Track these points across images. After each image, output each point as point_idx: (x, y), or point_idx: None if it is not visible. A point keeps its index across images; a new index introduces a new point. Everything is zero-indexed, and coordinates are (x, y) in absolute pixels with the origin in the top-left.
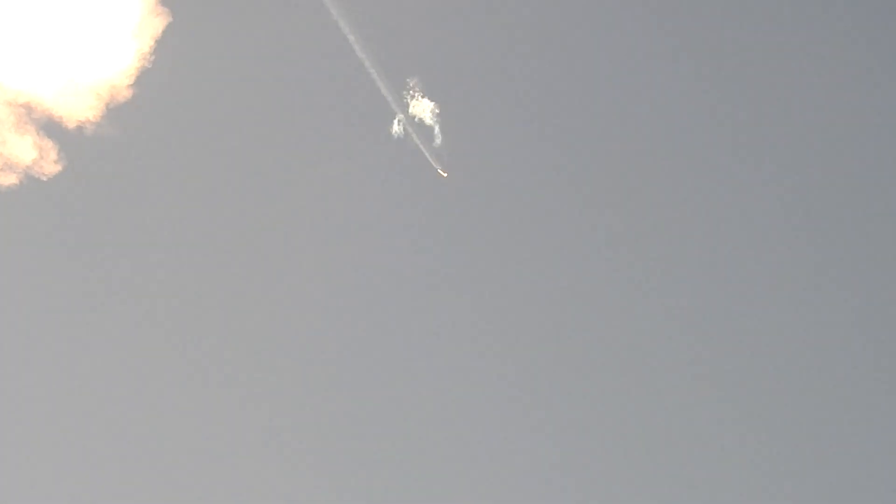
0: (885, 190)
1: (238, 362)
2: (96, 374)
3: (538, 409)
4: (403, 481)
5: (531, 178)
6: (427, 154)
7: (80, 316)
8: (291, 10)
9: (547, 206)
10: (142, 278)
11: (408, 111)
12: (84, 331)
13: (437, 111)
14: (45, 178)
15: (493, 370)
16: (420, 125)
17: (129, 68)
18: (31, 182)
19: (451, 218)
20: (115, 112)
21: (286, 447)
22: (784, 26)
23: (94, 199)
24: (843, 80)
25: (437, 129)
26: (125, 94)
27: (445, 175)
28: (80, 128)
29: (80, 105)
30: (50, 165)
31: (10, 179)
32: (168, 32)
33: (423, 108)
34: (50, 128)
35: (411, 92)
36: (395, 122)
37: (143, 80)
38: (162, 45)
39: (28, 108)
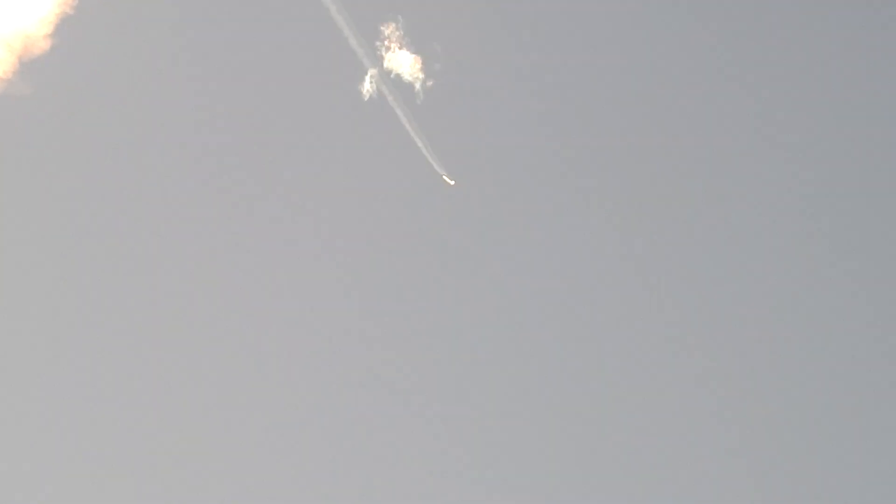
0: (885, 190)
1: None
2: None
3: (537, 410)
4: (403, 481)
5: (526, 145)
6: (431, 158)
7: None
8: None
9: (539, 175)
10: (51, 247)
11: (382, 65)
12: None
13: (418, 65)
14: None
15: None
16: (397, 82)
17: (46, 17)
18: None
19: (432, 196)
20: (29, 67)
21: (285, 447)
22: (784, 26)
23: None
24: (844, 79)
25: (418, 86)
26: (41, 46)
27: (453, 183)
28: None
29: None
30: None
31: None
32: None
33: (400, 62)
34: None
35: (386, 42)
36: (367, 78)
37: (63, 30)
38: None
39: None
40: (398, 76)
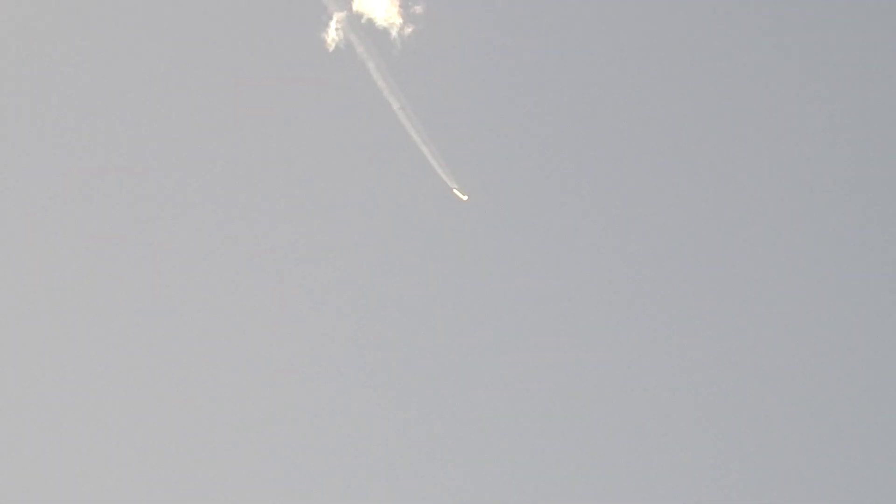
0: (885, 190)
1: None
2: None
3: (537, 411)
4: (403, 481)
5: (521, 107)
6: (442, 173)
7: None
8: None
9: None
10: (52, 247)
11: (350, 8)
12: None
13: (395, 8)
14: None
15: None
16: (369, 28)
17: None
18: None
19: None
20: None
21: (285, 447)
22: (783, 26)
23: None
24: (843, 80)
25: (394, 33)
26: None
27: (466, 199)
28: None
29: None
30: None
31: None
32: None
33: (373, 4)
34: None
35: None
36: (332, 25)
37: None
38: None
39: None
40: (370, 21)
